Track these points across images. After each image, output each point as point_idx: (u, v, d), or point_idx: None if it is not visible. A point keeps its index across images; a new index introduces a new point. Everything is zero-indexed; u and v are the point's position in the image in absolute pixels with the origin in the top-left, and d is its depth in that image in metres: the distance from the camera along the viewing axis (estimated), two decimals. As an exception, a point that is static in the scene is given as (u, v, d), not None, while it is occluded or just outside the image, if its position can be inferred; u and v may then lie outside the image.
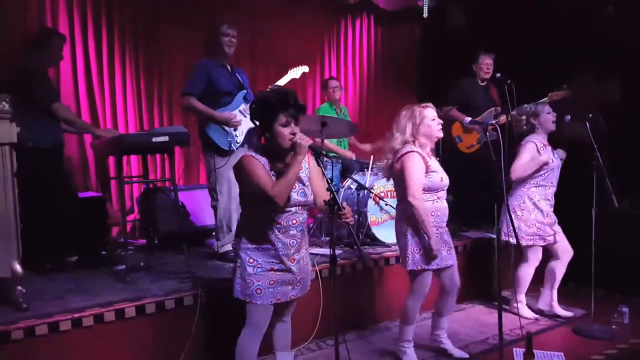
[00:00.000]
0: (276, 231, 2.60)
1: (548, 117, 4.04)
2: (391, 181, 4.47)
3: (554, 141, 4.14)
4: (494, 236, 3.27)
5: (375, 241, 4.43)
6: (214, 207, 4.04)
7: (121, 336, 2.97)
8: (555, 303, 4.24)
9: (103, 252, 4.10)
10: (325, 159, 4.39)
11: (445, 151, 4.57)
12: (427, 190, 3.22)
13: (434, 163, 3.28)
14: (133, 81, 5.24)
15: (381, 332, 3.97)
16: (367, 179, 4.57)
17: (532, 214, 4.00)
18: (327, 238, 4.39)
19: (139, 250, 4.46)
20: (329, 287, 3.58)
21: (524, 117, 4.10)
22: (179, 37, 5.32)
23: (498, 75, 4.61)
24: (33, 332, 2.71)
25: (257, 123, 2.65)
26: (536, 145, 3.98)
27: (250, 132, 3.98)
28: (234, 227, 3.79)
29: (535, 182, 4.00)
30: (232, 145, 3.96)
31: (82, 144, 4.91)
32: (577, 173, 4.14)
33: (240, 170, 2.59)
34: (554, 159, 4.03)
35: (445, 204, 3.29)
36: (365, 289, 4.03)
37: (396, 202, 3.45)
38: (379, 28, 7.08)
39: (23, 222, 2.99)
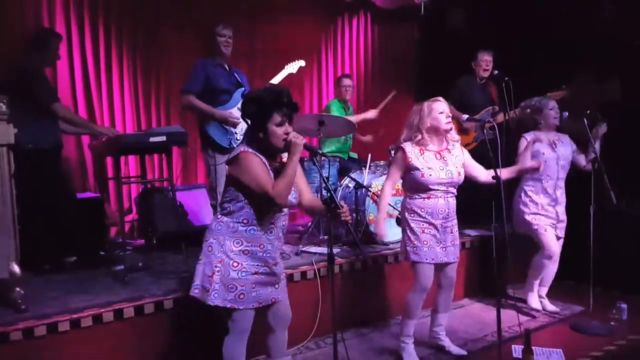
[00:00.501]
0: (268, 232, 2.56)
1: (550, 112, 4.05)
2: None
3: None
4: (492, 233, 3.26)
5: (374, 239, 4.42)
6: (214, 206, 4.03)
7: (120, 336, 2.97)
8: (543, 299, 4.30)
9: (101, 253, 4.09)
10: (322, 158, 4.40)
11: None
12: (411, 187, 3.28)
13: (426, 160, 3.23)
14: (130, 81, 5.23)
15: (380, 330, 3.97)
16: (365, 177, 4.57)
17: (526, 207, 4.09)
18: (326, 237, 4.39)
19: (137, 250, 4.46)
20: (327, 286, 3.59)
21: (528, 111, 4.13)
22: (176, 37, 5.32)
23: (496, 72, 4.62)
24: (32, 333, 2.71)
25: (249, 122, 2.60)
26: (526, 139, 4.04)
27: (249, 130, 3.99)
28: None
29: (531, 175, 4.05)
30: (232, 142, 3.97)
31: (80, 145, 4.90)
32: (575, 170, 4.16)
33: (238, 166, 2.50)
34: (550, 151, 4.05)
35: (443, 202, 3.26)
36: (363, 287, 4.03)
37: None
38: (376, 26, 7.06)
39: (21, 223, 2.99)
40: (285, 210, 2.61)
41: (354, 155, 5.53)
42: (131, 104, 5.25)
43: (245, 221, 2.55)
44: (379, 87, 6.99)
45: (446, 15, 6.39)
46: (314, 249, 4.13)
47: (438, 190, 3.24)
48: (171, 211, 4.26)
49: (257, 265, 2.56)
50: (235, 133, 3.97)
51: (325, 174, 4.58)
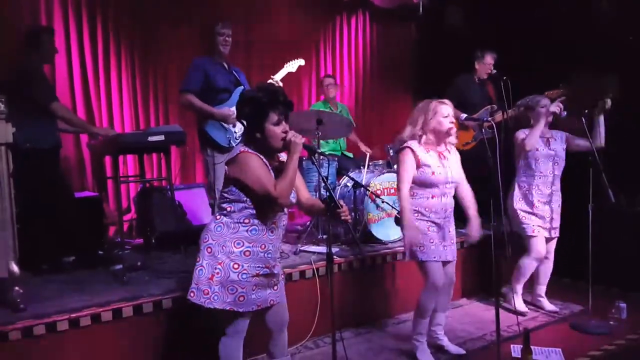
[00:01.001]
0: (269, 232, 2.55)
1: (541, 110, 4.06)
2: (388, 178, 4.54)
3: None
4: (491, 232, 3.27)
5: (372, 239, 4.43)
6: (212, 206, 4.03)
7: (119, 336, 2.97)
8: (542, 298, 4.29)
9: (100, 252, 4.08)
10: (321, 157, 4.40)
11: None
12: (420, 185, 3.24)
13: (433, 159, 3.25)
14: (129, 80, 5.23)
15: (379, 329, 3.98)
16: (363, 176, 4.57)
17: (518, 203, 4.11)
18: (324, 236, 4.39)
19: (136, 249, 4.46)
20: (326, 285, 3.59)
21: (522, 108, 4.14)
22: (174, 36, 5.31)
23: (494, 71, 4.62)
24: (31, 333, 2.70)
25: (245, 123, 2.57)
26: (518, 137, 4.08)
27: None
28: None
29: (524, 171, 4.11)
30: (231, 141, 3.96)
31: (78, 144, 4.90)
32: (573, 168, 4.15)
33: (238, 166, 2.47)
34: (544, 147, 4.06)
35: (445, 201, 3.27)
36: (362, 286, 4.03)
37: None
38: (374, 25, 7.07)
39: (20, 222, 2.98)
40: (285, 209, 2.61)
41: (349, 154, 5.54)
42: (129, 103, 5.24)
43: (246, 221, 2.52)
44: (377, 86, 7.00)
45: (445, 14, 6.39)
46: (312, 248, 4.13)
47: (443, 188, 3.25)
48: (170, 210, 4.25)
49: (258, 267, 2.53)
50: (235, 132, 3.97)
51: (324, 173, 4.59)
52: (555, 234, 4.16)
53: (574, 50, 5.00)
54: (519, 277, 4.21)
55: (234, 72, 4.13)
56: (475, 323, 4.07)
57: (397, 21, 7.10)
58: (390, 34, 7.12)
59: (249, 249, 2.51)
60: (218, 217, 2.58)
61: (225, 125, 3.95)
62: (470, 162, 4.84)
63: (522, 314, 4.15)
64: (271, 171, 2.52)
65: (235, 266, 2.48)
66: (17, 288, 2.87)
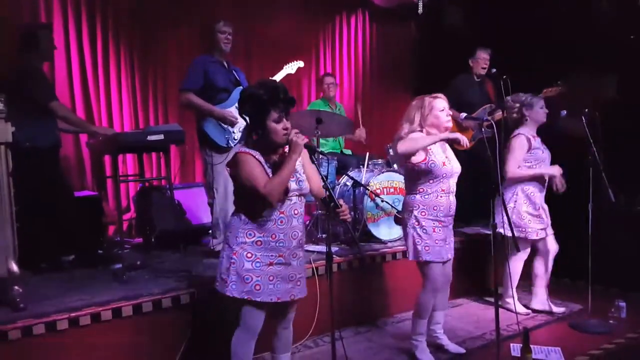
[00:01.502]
0: (279, 222, 2.56)
1: (540, 111, 4.06)
2: (387, 177, 4.54)
3: (550, 139, 4.16)
4: (490, 232, 3.26)
5: (371, 238, 4.43)
6: (211, 205, 4.03)
7: (118, 335, 2.96)
8: (549, 301, 4.26)
9: (99, 251, 4.08)
10: (320, 156, 4.39)
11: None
12: (430, 177, 3.20)
13: (439, 151, 3.24)
14: (128, 79, 5.23)
15: (379, 328, 3.98)
16: (363, 175, 4.57)
17: (524, 206, 4.05)
18: (324, 235, 4.39)
19: (135, 249, 4.46)
20: (325, 284, 3.58)
21: (517, 105, 4.11)
22: (174, 35, 5.32)
23: (494, 70, 4.61)
24: (30, 332, 2.70)
25: (247, 119, 2.60)
26: (525, 136, 4.03)
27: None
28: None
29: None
30: (229, 142, 3.96)
31: (78, 143, 4.90)
32: (573, 168, 4.15)
33: (234, 166, 2.54)
34: (543, 149, 4.07)
35: (452, 199, 3.27)
36: (362, 285, 4.04)
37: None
38: (374, 25, 7.07)
39: (19, 221, 2.98)
40: (294, 198, 2.59)
41: (348, 151, 5.54)
42: (129, 102, 5.24)
43: (254, 211, 2.56)
44: (377, 85, 7.00)
45: (444, 13, 6.39)
46: (312, 247, 4.12)
47: (452, 182, 3.24)
48: (169, 210, 4.26)
49: (272, 255, 2.56)
50: (233, 132, 3.97)
51: (323, 172, 4.58)
52: (551, 230, 4.16)
53: (573, 50, 5.00)
54: (514, 277, 4.17)
55: (234, 72, 4.13)
56: (475, 322, 4.07)
57: (397, 20, 7.10)
58: (390, 34, 7.12)
59: (260, 239, 2.56)
60: (235, 210, 2.68)
61: (224, 125, 3.95)
62: (470, 161, 4.87)
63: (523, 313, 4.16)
64: (267, 168, 2.54)
65: (249, 255, 2.54)
66: (16, 287, 2.87)
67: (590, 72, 4.81)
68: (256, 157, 2.53)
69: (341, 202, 2.52)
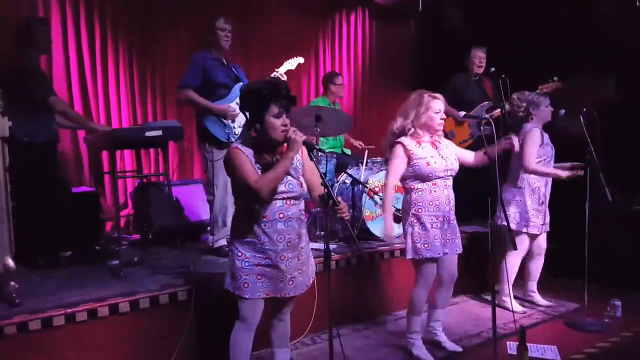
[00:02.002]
0: (262, 225, 2.55)
1: (546, 110, 4.07)
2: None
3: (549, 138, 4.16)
4: (488, 230, 3.27)
5: (370, 236, 4.43)
6: (210, 202, 4.02)
7: (115, 331, 2.96)
8: (534, 293, 4.32)
9: (97, 247, 4.08)
10: (319, 153, 4.38)
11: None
12: (418, 178, 3.24)
13: (426, 150, 3.24)
14: (126, 75, 5.22)
15: (376, 325, 3.99)
16: (361, 173, 4.57)
17: (529, 200, 4.07)
18: (322, 233, 4.39)
19: (133, 245, 4.45)
20: (323, 282, 3.58)
21: (524, 104, 4.12)
22: (172, 31, 5.30)
23: (492, 69, 4.61)
24: (26, 328, 2.70)
25: (247, 114, 2.61)
26: (540, 131, 4.04)
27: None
28: (229, 221, 3.77)
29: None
30: (230, 137, 3.95)
31: (75, 139, 4.89)
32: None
33: (228, 163, 2.57)
34: (552, 146, 4.09)
35: (447, 193, 3.28)
36: (360, 283, 4.04)
37: None
38: (373, 23, 7.06)
39: (17, 217, 2.97)
40: (280, 202, 2.57)
41: (348, 151, 5.53)
42: (127, 98, 5.23)
43: (243, 214, 2.61)
44: (376, 83, 7.00)
45: (443, 12, 6.38)
46: (310, 245, 4.11)
47: (442, 179, 3.24)
48: (167, 206, 4.25)
49: (259, 257, 2.58)
50: (234, 127, 3.96)
51: (322, 170, 4.57)
52: (547, 228, 4.17)
53: (573, 52, 5.01)
54: (511, 275, 4.20)
55: (233, 69, 4.12)
56: (472, 320, 4.08)
57: (396, 18, 7.10)
58: (389, 32, 7.12)
59: (247, 239, 2.59)
60: (235, 208, 2.76)
61: (225, 120, 3.94)
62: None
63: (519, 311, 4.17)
64: (256, 166, 2.53)
65: (239, 254, 2.59)
66: (12, 283, 2.86)
67: (589, 73, 4.82)
68: (245, 152, 2.53)
69: (339, 199, 2.51)
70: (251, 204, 2.55)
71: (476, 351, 3.56)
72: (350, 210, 4.31)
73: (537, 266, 4.30)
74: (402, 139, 3.26)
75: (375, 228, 4.44)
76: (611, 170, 3.94)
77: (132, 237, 4.76)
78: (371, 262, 4.13)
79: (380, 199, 4.43)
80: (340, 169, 4.88)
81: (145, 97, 5.34)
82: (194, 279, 3.27)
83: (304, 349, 3.55)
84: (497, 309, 3.04)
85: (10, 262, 2.88)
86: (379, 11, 6.99)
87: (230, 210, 3.91)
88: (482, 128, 3.37)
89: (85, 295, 3.00)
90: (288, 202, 2.60)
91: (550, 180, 4.10)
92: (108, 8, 5.03)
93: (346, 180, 4.57)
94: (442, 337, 3.55)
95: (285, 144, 2.55)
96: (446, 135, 5.13)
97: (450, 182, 3.31)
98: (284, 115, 2.53)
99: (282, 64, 4.40)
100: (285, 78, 3.99)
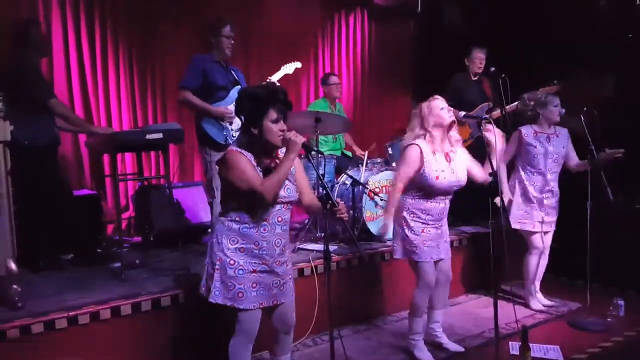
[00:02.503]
0: (261, 229, 2.53)
1: (554, 110, 4.07)
2: (386, 176, 4.53)
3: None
4: (489, 230, 3.27)
5: (370, 237, 4.43)
6: (211, 204, 4.02)
7: (117, 333, 2.96)
8: (537, 293, 4.31)
9: (98, 250, 4.09)
10: (319, 155, 4.39)
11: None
12: (422, 189, 3.23)
13: (438, 162, 3.20)
14: (127, 77, 5.22)
15: (377, 327, 3.98)
16: (362, 174, 4.57)
17: (520, 197, 4.11)
18: (322, 234, 4.38)
19: (134, 247, 4.45)
20: (324, 283, 3.58)
21: (532, 103, 4.12)
22: (172, 33, 5.30)
23: (492, 69, 4.61)
24: (29, 331, 2.70)
25: (243, 118, 2.57)
26: (521, 132, 4.08)
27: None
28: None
29: (523, 166, 4.12)
30: (228, 139, 3.96)
31: (76, 142, 4.89)
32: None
33: (225, 165, 2.51)
34: (543, 144, 4.06)
35: (443, 206, 3.29)
36: (360, 284, 4.03)
37: None
38: (373, 23, 7.06)
39: (18, 219, 2.98)
40: (279, 206, 2.56)
41: (348, 153, 5.53)
42: (127, 101, 5.23)
43: (237, 219, 2.54)
44: (376, 84, 6.99)
45: (443, 11, 6.38)
46: (310, 246, 4.13)
47: (445, 193, 3.25)
48: (168, 208, 4.25)
49: (255, 263, 2.54)
50: (232, 130, 3.96)
51: (321, 172, 4.58)
52: (551, 227, 4.17)
53: (573, 50, 5.00)
54: (527, 275, 4.22)
55: (232, 72, 4.13)
56: (474, 320, 4.07)
57: (396, 19, 7.09)
58: (388, 32, 7.11)
59: (243, 245, 2.54)
60: (219, 216, 2.64)
61: (222, 122, 3.95)
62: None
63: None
64: (258, 169, 2.52)
65: (232, 262, 2.52)
66: (15, 286, 2.87)
67: (589, 72, 4.81)
68: (247, 157, 2.51)
69: (338, 200, 2.51)
70: (250, 209, 2.51)
71: (478, 351, 3.56)
72: (351, 212, 4.31)
73: (540, 265, 4.28)
74: (419, 141, 3.23)
75: (376, 229, 4.43)
76: (613, 170, 3.93)
77: (134, 240, 4.76)
78: (372, 263, 4.12)
79: (381, 199, 4.43)
80: (340, 170, 4.88)
81: (146, 98, 5.34)
82: (195, 281, 3.26)
83: (305, 351, 3.55)
84: (499, 308, 3.03)
85: (13, 265, 2.88)
86: (378, 12, 6.99)
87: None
88: (481, 128, 3.36)
89: (87, 298, 3.00)
90: (285, 207, 2.60)
91: (539, 179, 4.08)
92: (108, 10, 5.03)
93: (346, 182, 4.57)
94: (443, 338, 3.55)
95: (279, 149, 2.56)
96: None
97: (451, 195, 3.31)
98: (281, 121, 2.52)
99: (281, 65, 4.41)
100: (278, 85, 3.98)
